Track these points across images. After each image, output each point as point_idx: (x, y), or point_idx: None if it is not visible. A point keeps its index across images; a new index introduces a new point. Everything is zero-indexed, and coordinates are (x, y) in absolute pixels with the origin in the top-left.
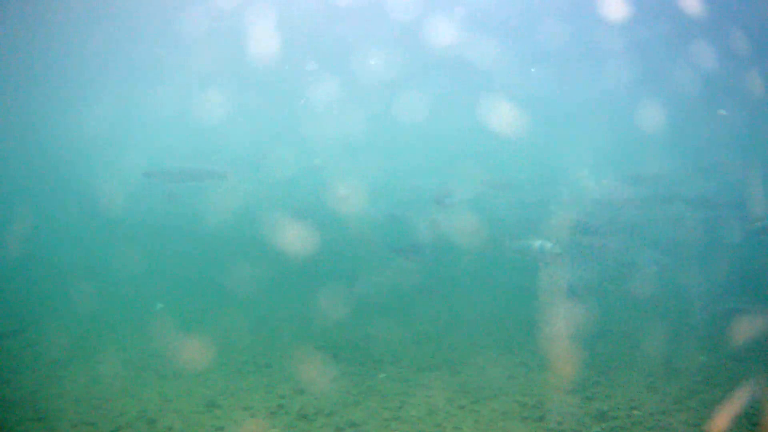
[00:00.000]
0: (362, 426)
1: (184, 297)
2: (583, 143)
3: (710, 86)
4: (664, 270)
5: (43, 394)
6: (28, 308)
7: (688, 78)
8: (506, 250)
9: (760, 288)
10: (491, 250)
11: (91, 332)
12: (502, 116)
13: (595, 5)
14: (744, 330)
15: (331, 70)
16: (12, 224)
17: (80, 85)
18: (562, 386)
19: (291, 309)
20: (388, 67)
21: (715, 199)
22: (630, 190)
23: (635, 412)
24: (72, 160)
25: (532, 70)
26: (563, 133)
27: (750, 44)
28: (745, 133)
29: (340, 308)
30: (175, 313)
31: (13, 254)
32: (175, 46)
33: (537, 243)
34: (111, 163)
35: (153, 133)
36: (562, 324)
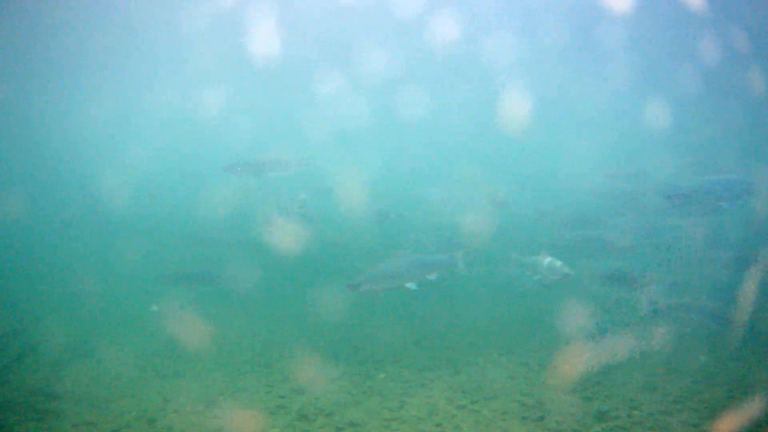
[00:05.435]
0: (362, 426)
1: (183, 296)
2: (587, 143)
3: (711, 84)
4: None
5: (43, 394)
6: (28, 308)
7: (690, 76)
8: (511, 262)
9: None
10: (493, 255)
11: (92, 332)
12: (505, 116)
13: (598, 4)
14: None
15: (332, 65)
16: (12, 223)
17: (80, 81)
18: (562, 386)
19: (290, 309)
20: (389, 64)
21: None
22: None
23: (635, 412)
24: (72, 157)
25: None
26: (567, 133)
27: (751, 42)
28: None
29: (340, 308)
30: (175, 313)
31: (13, 253)
32: (176, 42)
33: (546, 260)
34: (111, 160)
35: (153, 130)
36: (561, 324)
